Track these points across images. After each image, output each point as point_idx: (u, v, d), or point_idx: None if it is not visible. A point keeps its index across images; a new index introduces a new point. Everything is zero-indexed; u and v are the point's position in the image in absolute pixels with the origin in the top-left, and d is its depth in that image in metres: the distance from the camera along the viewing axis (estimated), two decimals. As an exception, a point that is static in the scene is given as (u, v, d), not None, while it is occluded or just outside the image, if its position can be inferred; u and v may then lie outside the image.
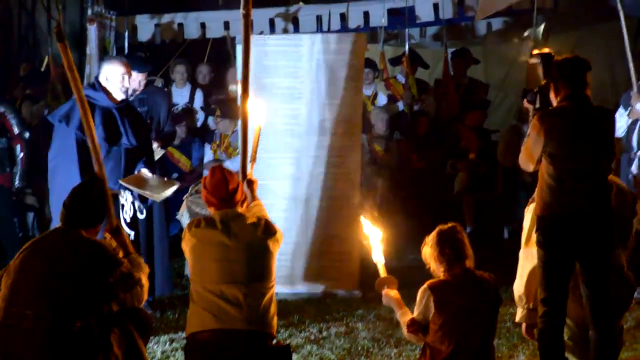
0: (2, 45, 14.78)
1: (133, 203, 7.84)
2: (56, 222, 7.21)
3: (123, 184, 7.70)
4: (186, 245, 5.74)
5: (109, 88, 7.87)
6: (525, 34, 12.11)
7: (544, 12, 11.57)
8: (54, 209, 7.67)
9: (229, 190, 5.75)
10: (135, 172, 7.89)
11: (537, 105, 6.20)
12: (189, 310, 5.68)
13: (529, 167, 6.00)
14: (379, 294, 5.93)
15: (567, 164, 5.81)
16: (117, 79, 7.85)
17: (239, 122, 6.60)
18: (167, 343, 7.38)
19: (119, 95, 7.89)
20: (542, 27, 11.44)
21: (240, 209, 5.81)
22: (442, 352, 5.59)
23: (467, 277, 5.69)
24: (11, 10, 15.33)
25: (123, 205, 7.78)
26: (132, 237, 7.52)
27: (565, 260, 5.78)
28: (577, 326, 5.86)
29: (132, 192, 7.81)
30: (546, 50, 6.30)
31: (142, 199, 7.90)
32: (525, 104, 6.47)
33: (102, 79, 7.89)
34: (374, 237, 5.99)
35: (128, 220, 7.77)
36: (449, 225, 5.80)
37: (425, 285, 5.67)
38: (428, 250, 5.76)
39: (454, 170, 11.66)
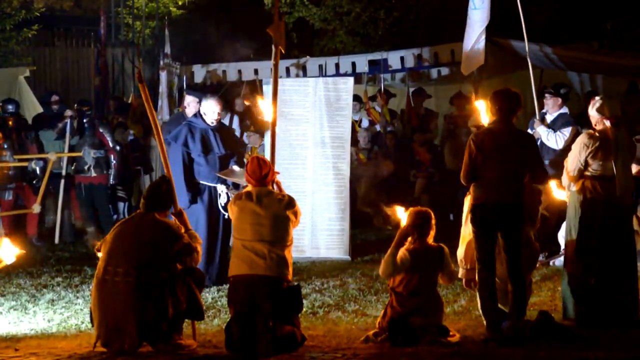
0: (102, 86, 14.83)
1: (227, 193, 7.53)
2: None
3: (219, 175, 7.50)
4: (231, 212, 5.67)
5: (205, 117, 7.67)
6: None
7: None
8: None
9: (262, 173, 5.65)
10: (229, 167, 7.66)
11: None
12: (231, 260, 5.60)
13: (468, 181, 5.83)
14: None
15: (491, 170, 5.74)
16: (210, 111, 7.64)
17: (265, 137, 6.55)
18: (216, 292, 7.35)
19: (211, 120, 7.68)
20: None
21: (270, 188, 5.71)
22: (404, 296, 5.65)
23: (425, 247, 5.74)
24: (107, 62, 15.42)
25: (220, 194, 7.58)
26: (226, 216, 7.23)
27: (489, 234, 5.73)
28: (501, 281, 5.84)
29: (226, 183, 7.57)
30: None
31: (235, 186, 7.57)
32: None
33: (201, 110, 7.71)
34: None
35: (222, 204, 7.50)
36: (424, 209, 5.83)
37: (404, 249, 5.70)
38: (408, 221, 5.77)
39: (415, 178, 11.62)
